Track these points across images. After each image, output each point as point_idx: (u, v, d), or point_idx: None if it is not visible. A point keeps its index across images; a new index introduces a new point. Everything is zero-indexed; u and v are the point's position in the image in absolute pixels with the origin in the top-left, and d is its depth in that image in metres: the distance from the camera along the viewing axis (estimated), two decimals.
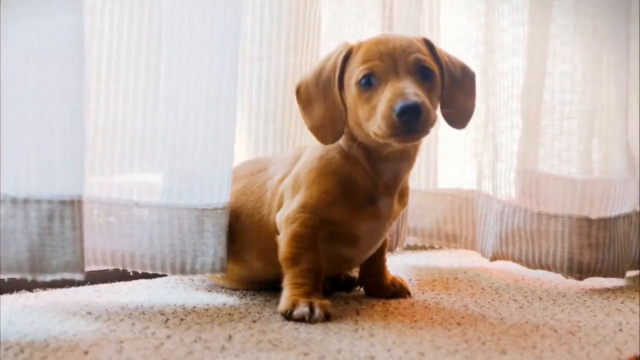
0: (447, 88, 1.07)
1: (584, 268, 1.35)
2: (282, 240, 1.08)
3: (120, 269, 1.12)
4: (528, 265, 1.40)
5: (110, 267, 1.13)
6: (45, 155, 0.95)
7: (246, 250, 1.15)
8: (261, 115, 1.34)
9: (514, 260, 1.41)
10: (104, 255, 1.11)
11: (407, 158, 1.09)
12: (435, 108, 1.03)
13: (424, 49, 1.05)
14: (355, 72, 1.03)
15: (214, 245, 1.11)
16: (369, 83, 1.01)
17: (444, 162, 1.62)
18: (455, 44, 1.58)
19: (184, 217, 1.11)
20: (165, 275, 1.27)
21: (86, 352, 0.84)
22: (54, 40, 0.95)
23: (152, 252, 1.11)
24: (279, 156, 1.23)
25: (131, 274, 1.18)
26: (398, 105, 0.96)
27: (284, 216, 1.08)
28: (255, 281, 1.21)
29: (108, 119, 1.12)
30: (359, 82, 1.02)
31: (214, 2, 1.10)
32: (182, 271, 1.12)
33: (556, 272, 1.37)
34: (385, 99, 0.98)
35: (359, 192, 1.07)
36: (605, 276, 1.37)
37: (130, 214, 1.11)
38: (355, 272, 1.26)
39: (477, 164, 1.53)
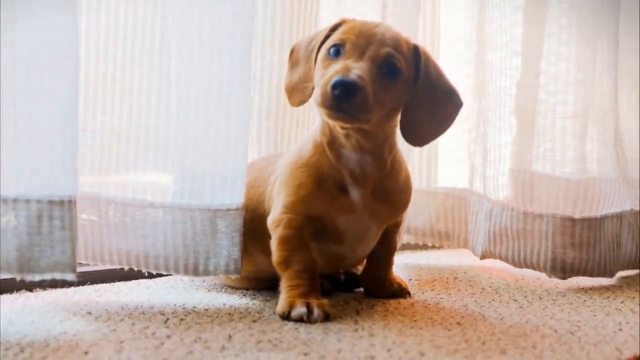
0: (418, 101, 1.06)
1: (567, 267, 1.35)
2: (273, 245, 1.08)
3: (135, 269, 1.13)
4: (514, 264, 1.40)
5: (126, 267, 1.13)
6: (36, 155, 0.95)
7: (252, 243, 1.15)
8: (254, 114, 1.34)
9: (501, 258, 1.42)
10: (119, 255, 1.12)
11: (368, 151, 1.07)
12: (383, 105, 1.02)
13: (406, 51, 1.05)
14: (330, 39, 1.05)
15: (227, 247, 1.12)
16: (336, 53, 1.03)
17: (441, 161, 1.62)
18: (454, 43, 1.58)
19: (197, 218, 1.11)
20: (167, 275, 1.26)
21: (86, 352, 0.84)
22: (46, 40, 0.95)
23: (166, 252, 1.11)
24: (286, 152, 1.24)
25: (145, 273, 1.18)
26: (335, 78, 0.97)
27: (272, 220, 1.09)
28: (259, 277, 1.20)
29: (122, 119, 1.12)
30: (328, 49, 1.04)
31: (225, 0, 1.10)
32: (196, 272, 1.12)
33: (540, 271, 1.38)
34: (331, 70, 0.99)
35: (329, 181, 1.07)
36: (591, 276, 1.37)
37: (145, 214, 1.11)
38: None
39: (470, 162, 1.53)
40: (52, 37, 0.95)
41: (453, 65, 1.56)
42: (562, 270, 1.36)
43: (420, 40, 1.50)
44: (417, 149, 1.55)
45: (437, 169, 1.60)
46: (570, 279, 1.38)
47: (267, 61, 1.33)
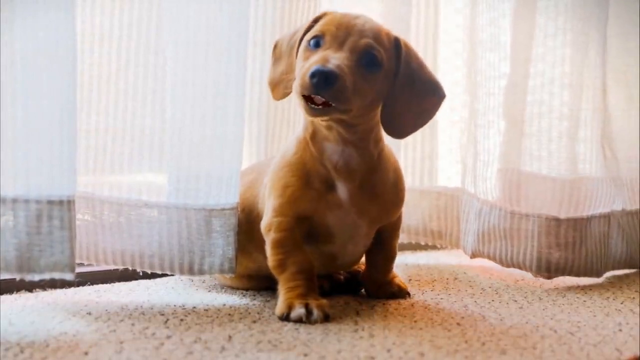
0: (398, 93, 1.06)
1: (552, 267, 1.35)
2: (267, 249, 1.08)
3: (130, 268, 1.13)
4: (502, 264, 1.40)
5: (121, 267, 1.14)
6: (35, 155, 0.95)
7: (249, 242, 1.15)
8: (246, 115, 1.34)
9: (489, 258, 1.42)
10: (114, 255, 1.12)
11: (352, 144, 1.06)
12: (363, 96, 1.01)
13: (386, 42, 1.05)
14: (311, 31, 1.05)
15: (222, 246, 1.12)
16: (317, 44, 1.03)
17: (438, 160, 1.61)
18: (453, 44, 1.58)
19: (192, 218, 1.11)
20: (166, 275, 1.27)
21: (86, 352, 0.84)
22: (44, 40, 0.95)
23: (161, 252, 1.11)
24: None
25: (140, 273, 1.18)
26: (313, 67, 0.97)
27: (264, 224, 1.09)
28: (260, 275, 1.20)
29: (117, 119, 1.13)
30: (308, 41, 1.04)
31: (220, 1, 1.10)
32: (191, 271, 1.12)
33: (526, 270, 1.38)
34: (311, 60, 1.00)
35: (314, 178, 1.07)
36: (577, 275, 1.37)
37: (140, 214, 1.11)
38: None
39: (463, 162, 1.53)
40: (50, 37, 0.95)
41: (451, 65, 1.56)
42: (547, 270, 1.36)
43: (415, 39, 1.50)
44: (412, 148, 1.56)
45: (432, 167, 1.59)
46: (570, 280, 1.38)
47: (258, 61, 1.33)
